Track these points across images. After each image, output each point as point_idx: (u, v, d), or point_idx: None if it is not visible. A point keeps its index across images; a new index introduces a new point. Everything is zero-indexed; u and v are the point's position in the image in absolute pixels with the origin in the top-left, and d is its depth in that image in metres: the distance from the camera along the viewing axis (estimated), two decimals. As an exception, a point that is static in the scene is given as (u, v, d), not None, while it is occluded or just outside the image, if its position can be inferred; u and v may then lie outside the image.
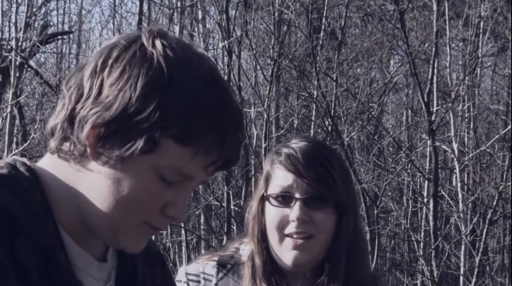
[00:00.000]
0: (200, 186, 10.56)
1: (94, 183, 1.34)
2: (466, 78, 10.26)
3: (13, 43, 8.88)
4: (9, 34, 10.04)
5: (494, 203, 9.44)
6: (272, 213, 2.11)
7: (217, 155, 1.33)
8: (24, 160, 1.40)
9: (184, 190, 1.36)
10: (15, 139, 9.10)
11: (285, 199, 2.10)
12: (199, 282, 2.16)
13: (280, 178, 2.10)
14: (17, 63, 8.60)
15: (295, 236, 2.08)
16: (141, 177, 1.32)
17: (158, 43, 1.34)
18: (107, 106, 1.30)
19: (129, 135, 1.30)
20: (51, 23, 13.32)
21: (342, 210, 2.10)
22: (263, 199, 2.14)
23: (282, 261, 2.11)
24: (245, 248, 2.19)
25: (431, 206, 8.84)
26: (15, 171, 1.36)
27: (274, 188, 2.11)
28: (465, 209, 9.88)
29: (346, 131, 8.45)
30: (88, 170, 1.34)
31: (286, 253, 2.09)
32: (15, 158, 1.40)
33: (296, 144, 2.12)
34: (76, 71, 1.37)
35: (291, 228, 2.08)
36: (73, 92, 1.35)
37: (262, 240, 2.13)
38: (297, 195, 2.08)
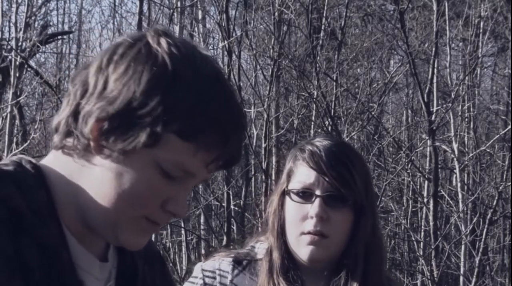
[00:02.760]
0: (200, 186, 10.56)
1: (97, 177, 1.35)
2: (466, 78, 10.26)
3: (13, 43, 8.88)
4: (9, 34, 10.06)
5: (494, 203, 9.44)
6: (292, 208, 2.14)
7: (219, 152, 1.34)
8: (30, 158, 1.41)
9: (185, 186, 1.37)
10: (15, 139, 9.11)
11: (305, 195, 2.12)
12: (214, 278, 2.19)
13: (302, 174, 2.13)
14: (17, 63, 8.61)
15: (312, 232, 2.11)
16: (143, 170, 1.33)
17: (163, 41, 1.36)
18: (111, 100, 1.32)
19: (132, 129, 1.31)
20: (51, 23, 13.34)
21: (360, 210, 2.12)
22: (284, 193, 2.17)
23: (299, 256, 2.14)
24: (261, 246, 2.22)
25: (431, 206, 8.84)
26: (21, 168, 1.37)
27: (296, 184, 2.14)
28: (465, 209, 9.89)
29: (346, 131, 8.45)
30: (91, 164, 1.35)
31: (302, 248, 2.12)
32: (21, 156, 1.41)
33: (320, 142, 2.15)
34: (82, 69, 1.39)
35: (309, 225, 2.10)
36: (78, 89, 1.36)
37: (281, 234, 2.16)
38: (318, 192, 2.10)
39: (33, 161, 1.40)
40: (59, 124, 1.38)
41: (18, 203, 1.32)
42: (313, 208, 2.10)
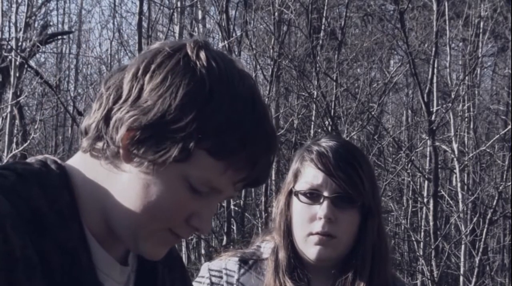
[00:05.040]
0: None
1: (123, 185, 1.34)
2: (466, 78, 10.26)
3: (13, 43, 8.88)
4: (9, 34, 10.05)
5: (494, 203, 9.45)
6: (300, 209, 2.15)
7: (247, 173, 1.34)
8: (55, 158, 1.40)
9: (211, 202, 1.36)
10: (15, 139, 9.10)
11: (313, 196, 2.13)
12: (221, 277, 2.20)
13: (310, 175, 2.14)
14: (17, 63, 8.61)
15: (320, 233, 2.11)
16: (170, 184, 1.33)
17: (202, 54, 1.34)
18: (145, 110, 1.31)
19: (164, 142, 1.31)
20: (51, 23, 13.35)
21: (368, 211, 2.13)
22: (291, 194, 2.18)
23: (306, 256, 2.15)
24: (267, 246, 2.23)
25: (431, 206, 8.84)
26: (46, 168, 1.36)
27: (303, 185, 2.15)
28: (465, 209, 9.89)
29: (346, 131, 8.45)
30: (119, 171, 1.35)
31: (310, 248, 2.13)
32: (47, 156, 1.40)
33: (327, 143, 2.15)
34: (117, 72, 1.38)
35: (317, 226, 2.11)
36: (111, 93, 1.35)
37: (288, 234, 2.17)
38: (326, 194, 2.11)
39: (59, 161, 1.39)
40: (89, 127, 1.36)
41: (40, 203, 1.31)
42: (321, 209, 2.11)
